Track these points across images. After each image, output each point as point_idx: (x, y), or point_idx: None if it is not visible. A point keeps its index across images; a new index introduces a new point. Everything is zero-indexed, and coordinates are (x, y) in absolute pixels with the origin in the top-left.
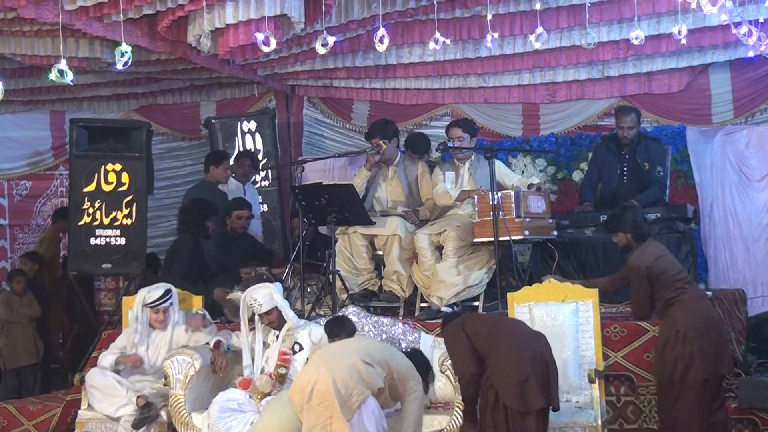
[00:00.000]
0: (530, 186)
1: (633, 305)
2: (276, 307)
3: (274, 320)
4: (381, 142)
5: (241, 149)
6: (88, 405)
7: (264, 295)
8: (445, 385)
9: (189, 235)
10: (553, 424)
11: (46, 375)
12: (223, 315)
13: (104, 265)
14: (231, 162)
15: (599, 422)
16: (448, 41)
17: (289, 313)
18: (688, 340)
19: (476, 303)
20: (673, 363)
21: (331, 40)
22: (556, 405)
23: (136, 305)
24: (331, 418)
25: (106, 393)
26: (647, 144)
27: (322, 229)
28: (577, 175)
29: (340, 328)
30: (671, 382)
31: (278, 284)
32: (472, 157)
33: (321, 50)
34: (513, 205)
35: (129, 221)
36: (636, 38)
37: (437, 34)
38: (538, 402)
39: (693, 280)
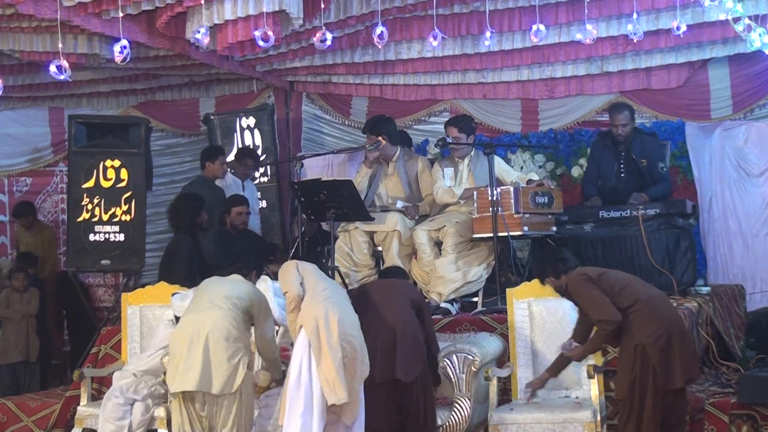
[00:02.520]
0: (529, 182)
1: (598, 318)
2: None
3: None
4: (380, 138)
5: (240, 146)
6: (88, 401)
7: (259, 284)
8: (444, 381)
9: (184, 233)
10: (552, 420)
11: (45, 372)
12: None
13: (103, 261)
14: (232, 159)
15: (598, 418)
16: (447, 37)
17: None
18: (648, 356)
19: (475, 299)
20: (633, 381)
21: (329, 36)
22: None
23: (174, 310)
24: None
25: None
26: (642, 139)
27: (324, 226)
28: (576, 171)
29: None
30: (632, 401)
31: (274, 282)
32: (471, 153)
33: (320, 46)
34: (512, 201)
35: (128, 217)
36: (634, 34)
37: (436, 30)
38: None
39: (692, 275)
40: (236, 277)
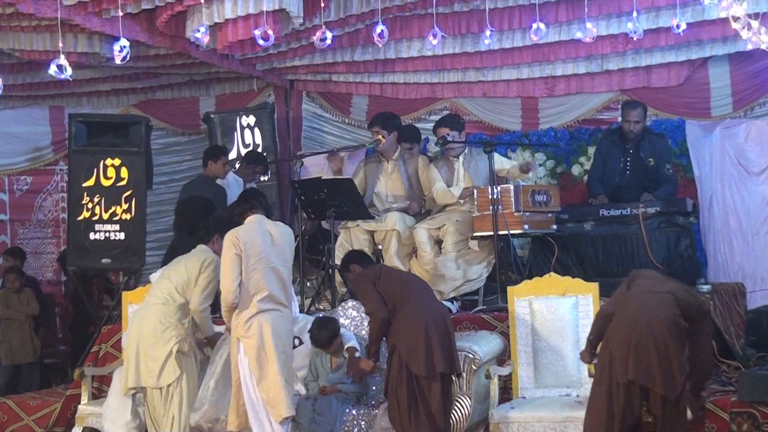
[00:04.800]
0: (524, 165)
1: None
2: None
3: None
4: (380, 137)
5: (243, 146)
6: (88, 400)
7: None
8: None
9: (186, 234)
10: (553, 418)
11: (44, 371)
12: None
13: (103, 260)
14: (242, 161)
15: None
16: (447, 35)
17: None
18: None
19: (476, 297)
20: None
21: (329, 35)
22: (460, 370)
23: None
24: None
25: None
26: (652, 139)
27: (325, 225)
28: (576, 169)
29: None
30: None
31: None
32: (465, 150)
33: (320, 45)
34: (512, 200)
35: (128, 216)
36: (634, 32)
37: (436, 28)
38: (440, 366)
39: (693, 274)
40: (200, 248)
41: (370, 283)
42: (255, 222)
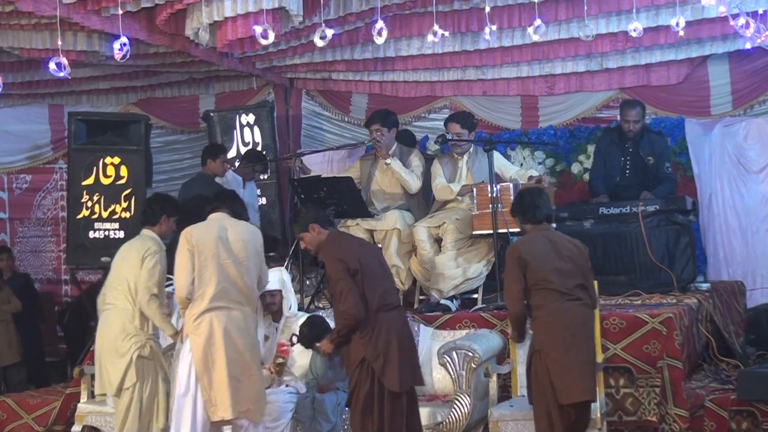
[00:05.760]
0: (530, 178)
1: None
2: (281, 291)
3: (276, 304)
4: (378, 133)
5: (243, 144)
6: (88, 398)
7: (273, 273)
8: (444, 378)
9: None
10: None
11: (32, 371)
12: None
13: (103, 259)
14: (242, 160)
15: (598, 414)
16: (446, 33)
17: (290, 299)
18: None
19: (475, 295)
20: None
21: (329, 32)
22: (422, 382)
23: None
24: None
25: None
26: (651, 138)
27: None
28: (575, 168)
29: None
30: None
31: (284, 271)
32: (471, 149)
33: (319, 43)
34: (512, 198)
35: (127, 214)
36: (634, 30)
37: (436, 27)
38: (416, 381)
39: (692, 272)
40: (143, 236)
41: (345, 271)
42: (213, 220)
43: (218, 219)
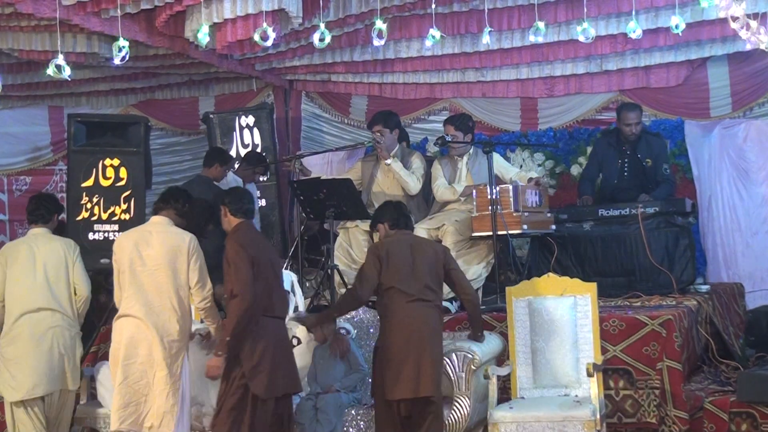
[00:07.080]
0: (530, 180)
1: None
2: (288, 293)
3: None
4: (378, 134)
5: (242, 146)
6: (87, 400)
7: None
8: (443, 380)
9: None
10: (551, 418)
11: None
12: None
13: (102, 261)
14: (242, 161)
15: (597, 416)
16: (444, 36)
17: (295, 300)
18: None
19: None
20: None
21: (328, 35)
22: (297, 389)
23: None
24: None
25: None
26: (648, 139)
27: (325, 225)
28: (575, 170)
29: None
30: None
31: (293, 274)
32: (470, 151)
33: (319, 45)
34: (511, 200)
35: (127, 216)
36: (633, 32)
37: (432, 30)
38: (290, 387)
39: (691, 274)
40: (36, 232)
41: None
42: (146, 224)
43: (153, 222)
